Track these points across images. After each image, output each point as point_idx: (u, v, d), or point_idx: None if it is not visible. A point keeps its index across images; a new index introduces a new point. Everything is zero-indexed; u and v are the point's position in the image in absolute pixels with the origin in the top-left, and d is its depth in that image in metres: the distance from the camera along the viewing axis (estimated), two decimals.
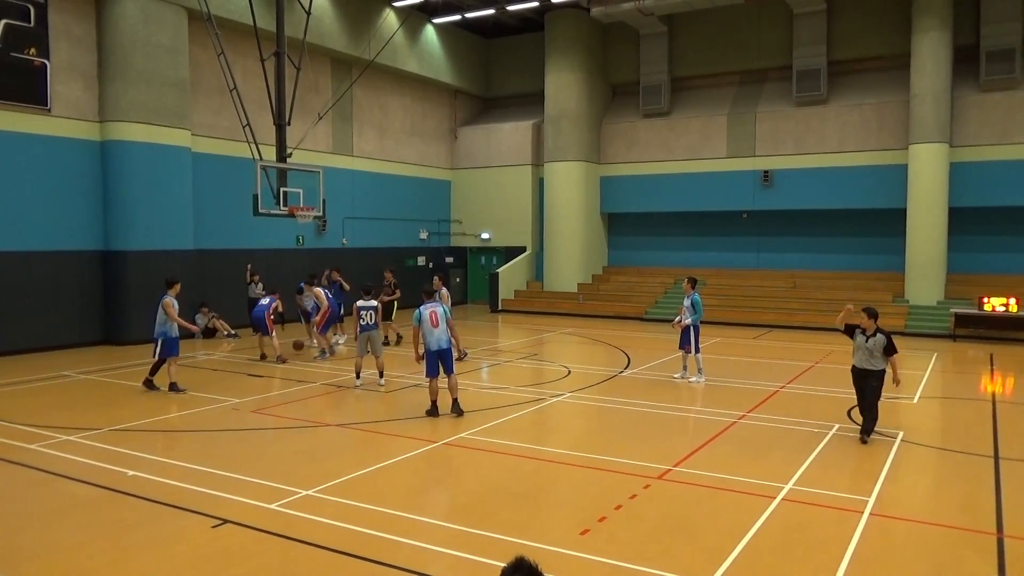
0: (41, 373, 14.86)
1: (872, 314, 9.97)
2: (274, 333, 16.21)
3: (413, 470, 8.79)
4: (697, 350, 14.16)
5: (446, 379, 11.30)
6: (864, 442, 9.75)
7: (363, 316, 13.53)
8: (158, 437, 10.18)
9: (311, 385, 13.83)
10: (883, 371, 9.83)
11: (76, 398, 12.87)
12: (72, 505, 7.58)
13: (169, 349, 13.02)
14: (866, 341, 9.91)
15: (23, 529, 6.99)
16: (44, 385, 13.85)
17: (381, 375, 13.73)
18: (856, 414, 11.42)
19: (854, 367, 10.14)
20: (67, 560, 6.30)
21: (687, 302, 14.23)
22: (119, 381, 14.24)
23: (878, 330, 9.88)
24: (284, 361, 16.03)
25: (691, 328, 14.11)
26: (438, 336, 11.20)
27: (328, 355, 16.75)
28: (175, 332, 13.10)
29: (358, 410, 12.15)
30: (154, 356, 13.10)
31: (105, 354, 17.33)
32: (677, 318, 14.48)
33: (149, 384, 13.10)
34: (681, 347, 14.30)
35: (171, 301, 13.06)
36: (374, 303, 13.74)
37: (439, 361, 11.20)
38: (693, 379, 14.21)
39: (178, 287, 13.43)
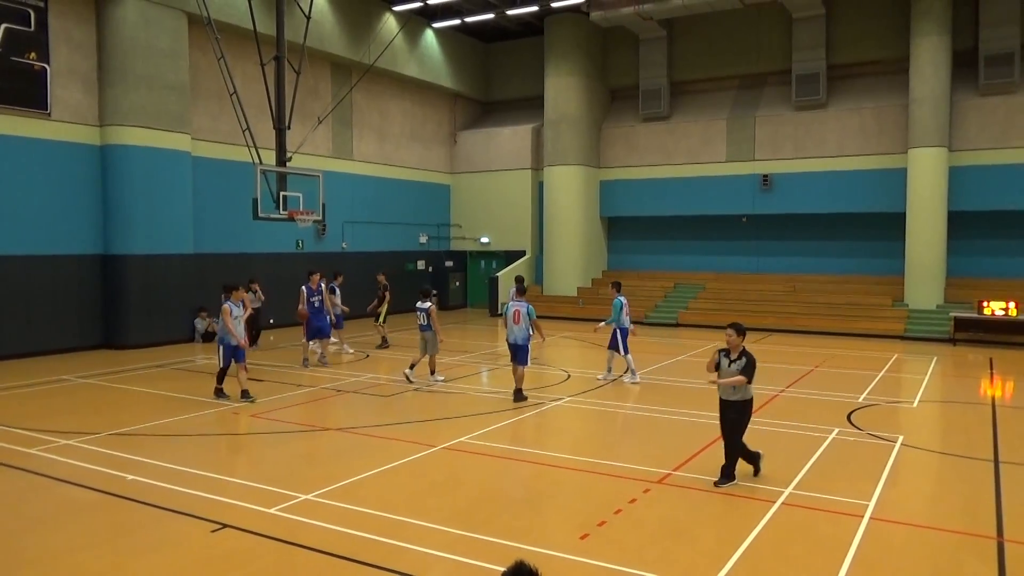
0: (41, 377, 14.85)
1: (739, 330, 8.40)
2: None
3: (413, 474, 8.78)
4: (626, 351, 14.55)
5: (517, 368, 12.87)
6: (717, 485, 8.16)
7: (419, 317, 14.23)
8: (157, 441, 10.17)
9: (311, 389, 13.82)
10: (748, 401, 8.29)
11: (76, 402, 12.86)
12: (71, 509, 7.58)
13: (231, 356, 12.52)
14: (729, 365, 8.30)
15: (23, 533, 6.98)
16: (44, 389, 13.84)
17: (433, 372, 14.39)
18: (856, 417, 11.44)
19: (720, 398, 8.48)
20: (66, 564, 6.29)
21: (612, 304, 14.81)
22: (119, 385, 14.23)
23: (744, 351, 8.31)
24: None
25: (618, 331, 14.55)
26: (516, 332, 12.87)
27: (310, 364, 16.29)
28: (235, 339, 12.47)
29: (358, 414, 12.14)
30: (218, 363, 12.73)
31: (105, 358, 17.32)
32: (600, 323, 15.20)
33: (218, 392, 12.72)
34: (610, 347, 14.77)
35: (229, 307, 12.47)
36: (427, 304, 14.16)
37: (515, 352, 12.86)
38: (627, 378, 14.67)
39: (239, 293, 12.72)
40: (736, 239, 26.90)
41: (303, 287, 16.49)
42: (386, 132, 27.32)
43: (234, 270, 21.26)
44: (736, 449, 8.33)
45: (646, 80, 27.28)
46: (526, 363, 12.91)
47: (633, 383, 14.42)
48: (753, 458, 8.50)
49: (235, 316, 12.51)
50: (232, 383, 12.83)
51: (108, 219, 18.57)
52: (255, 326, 18.06)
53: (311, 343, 16.42)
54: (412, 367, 14.34)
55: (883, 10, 23.90)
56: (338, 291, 18.06)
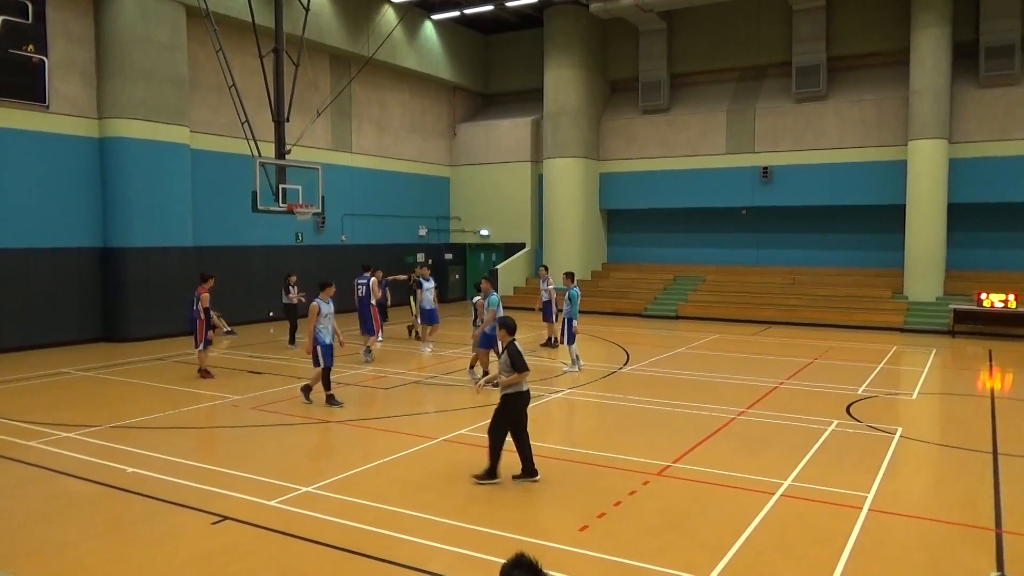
0: (40, 370, 14.86)
1: (502, 324, 8.36)
2: (201, 345, 13.90)
3: (412, 466, 8.79)
4: (571, 342, 14.87)
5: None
6: (526, 478, 8.12)
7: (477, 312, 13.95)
8: (157, 434, 10.18)
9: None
10: (506, 397, 8.09)
11: (75, 395, 12.87)
12: (71, 502, 7.59)
13: (329, 355, 11.69)
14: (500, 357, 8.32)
15: (22, 526, 6.99)
16: (43, 382, 13.84)
17: (471, 367, 13.99)
18: (855, 409, 11.47)
19: None
20: (66, 557, 6.30)
21: (567, 295, 15.12)
22: (118, 378, 14.24)
23: (509, 345, 8.15)
24: (209, 376, 14.00)
25: (567, 321, 14.93)
26: None
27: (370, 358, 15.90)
28: (327, 338, 11.65)
29: (357, 407, 12.14)
30: (316, 364, 11.81)
31: (104, 351, 17.32)
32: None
33: (331, 399, 11.75)
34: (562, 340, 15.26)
35: (318, 305, 11.65)
36: (476, 298, 13.82)
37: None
38: (565, 368, 14.96)
39: (331, 290, 11.99)
40: (736, 231, 26.88)
41: (372, 280, 16.51)
42: (385, 124, 27.26)
43: (233, 263, 21.30)
44: (493, 444, 8.06)
45: (646, 72, 27.20)
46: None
47: (572, 372, 14.71)
48: (492, 464, 8.03)
49: (324, 314, 11.66)
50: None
51: (107, 212, 18.55)
52: (295, 322, 18.01)
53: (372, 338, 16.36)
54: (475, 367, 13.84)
55: (883, 2, 23.82)
56: (425, 284, 17.33)
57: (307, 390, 11.93)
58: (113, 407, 11.75)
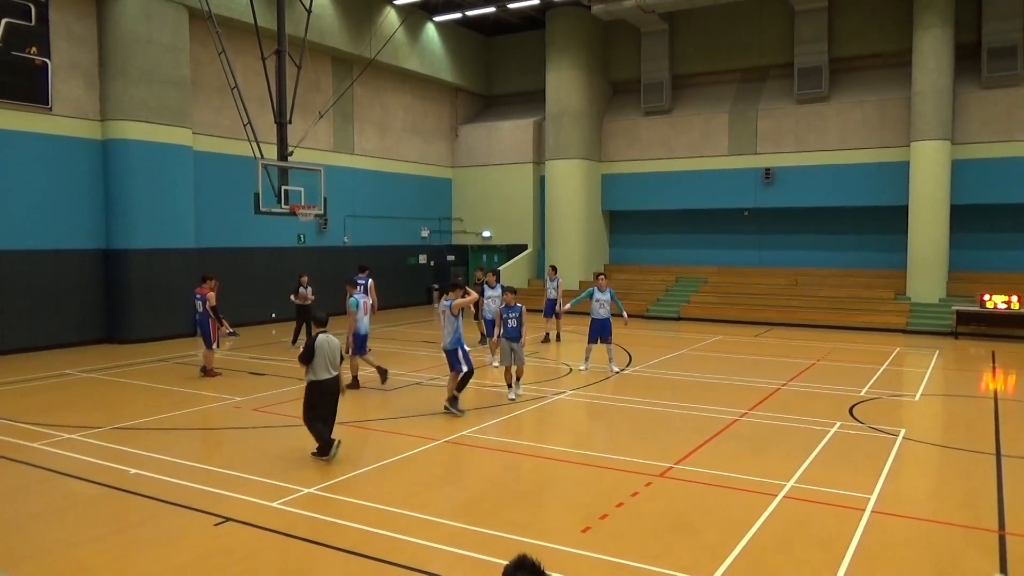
0: (43, 371, 14.88)
1: (314, 316, 9.49)
2: (215, 344, 14.23)
3: (415, 468, 8.78)
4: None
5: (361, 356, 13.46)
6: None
7: (509, 320, 12.40)
8: (160, 435, 10.19)
9: None
10: (306, 385, 8.91)
11: (78, 397, 12.88)
12: (74, 503, 7.59)
13: (466, 361, 11.16)
14: None
15: (25, 527, 7.00)
16: (46, 384, 13.86)
17: (517, 381, 12.48)
18: (858, 411, 11.46)
19: None
20: (69, 558, 6.30)
21: (606, 295, 15.23)
22: (121, 379, 14.25)
23: (314, 335, 8.92)
24: (215, 375, 14.23)
25: (610, 319, 15.09)
26: (367, 321, 13.48)
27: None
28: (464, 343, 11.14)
29: (359, 408, 12.14)
30: (455, 370, 11.19)
31: (107, 352, 17.34)
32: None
33: (452, 402, 11.23)
34: (603, 341, 15.07)
35: (455, 305, 11.15)
36: (519, 306, 12.48)
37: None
38: (616, 368, 15.02)
39: (459, 292, 11.26)
40: (738, 233, 26.87)
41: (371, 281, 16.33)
42: (387, 126, 27.28)
43: (236, 264, 21.33)
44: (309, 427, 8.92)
45: (648, 73, 27.21)
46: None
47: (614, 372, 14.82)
48: (320, 445, 8.84)
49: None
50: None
51: (110, 214, 18.58)
52: (307, 322, 17.80)
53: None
54: (511, 385, 12.42)
55: (885, 3, 23.82)
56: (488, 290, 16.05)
57: (453, 401, 11.25)
58: (116, 408, 11.76)
